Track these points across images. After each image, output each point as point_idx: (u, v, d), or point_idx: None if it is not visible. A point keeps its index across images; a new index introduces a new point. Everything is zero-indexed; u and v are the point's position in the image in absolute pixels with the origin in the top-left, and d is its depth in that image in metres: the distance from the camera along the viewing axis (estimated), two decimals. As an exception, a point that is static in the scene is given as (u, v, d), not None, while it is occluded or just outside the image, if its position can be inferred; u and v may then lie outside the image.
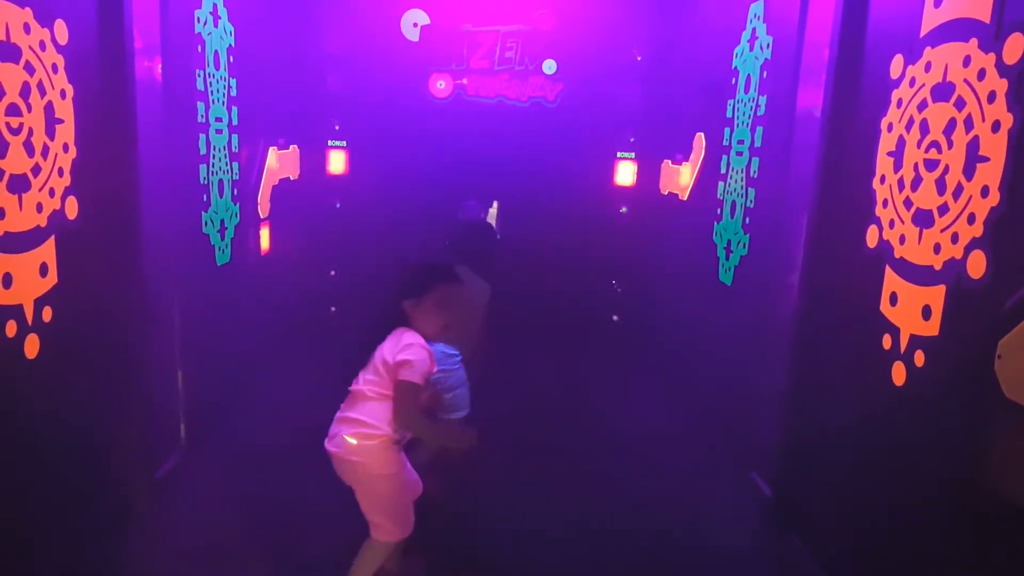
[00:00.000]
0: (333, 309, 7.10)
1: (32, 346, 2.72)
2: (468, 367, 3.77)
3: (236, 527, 3.58)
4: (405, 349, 2.74)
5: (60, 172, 2.87)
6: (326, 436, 2.88)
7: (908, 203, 2.77)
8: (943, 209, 2.55)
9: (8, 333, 2.58)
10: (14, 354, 2.63)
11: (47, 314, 2.80)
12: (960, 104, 2.48)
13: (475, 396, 3.81)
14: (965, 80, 2.47)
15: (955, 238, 2.48)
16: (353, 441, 2.77)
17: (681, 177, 5.91)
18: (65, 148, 2.91)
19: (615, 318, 7.19)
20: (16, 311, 2.62)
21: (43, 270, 2.77)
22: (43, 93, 2.73)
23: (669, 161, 6.31)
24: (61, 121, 2.87)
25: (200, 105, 4.30)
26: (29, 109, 2.63)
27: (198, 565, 3.29)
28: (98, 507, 3.38)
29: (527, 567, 3.40)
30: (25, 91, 2.60)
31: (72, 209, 2.98)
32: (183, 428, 4.24)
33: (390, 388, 2.75)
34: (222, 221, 4.72)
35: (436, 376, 3.03)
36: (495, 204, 8.50)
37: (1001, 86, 2.29)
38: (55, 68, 2.81)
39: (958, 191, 2.47)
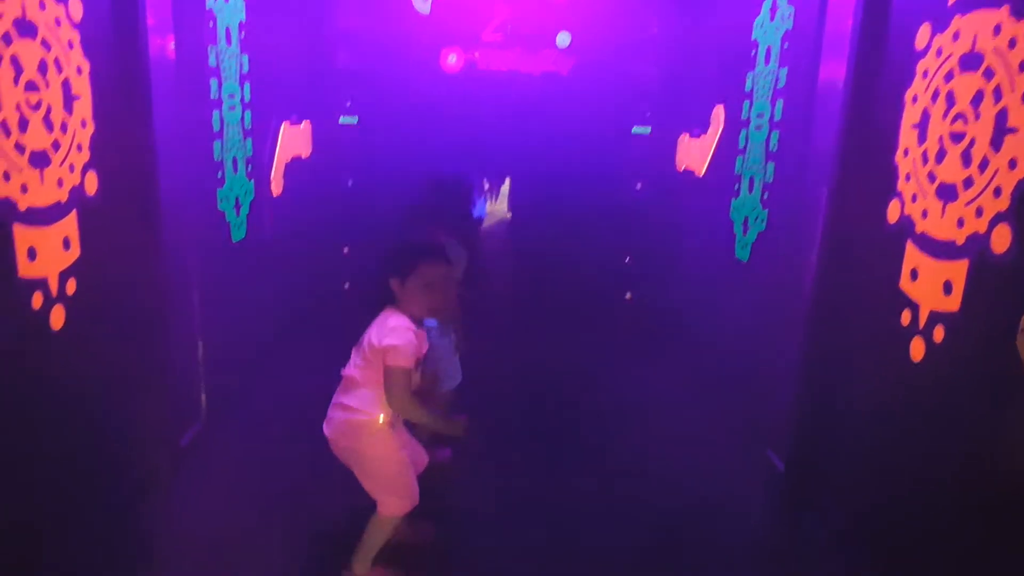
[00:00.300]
0: (346, 286, 7.11)
1: (57, 317, 2.76)
2: (445, 333, 3.72)
3: (256, 494, 3.65)
4: (390, 333, 2.69)
5: (79, 148, 2.88)
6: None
7: (932, 176, 2.74)
8: (968, 182, 2.52)
9: (34, 305, 2.62)
10: (40, 325, 2.68)
11: (71, 286, 2.83)
12: (989, 74, 2.44)
13: (489, 372, 3.82)
14: (995, 49, 2.43)
15: (979, 212, 2.45)
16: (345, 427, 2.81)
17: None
18: (83, 124, 2.92)
19: (628, 296, 7.17)
20: (41, 283, 2.65)
21: (66, 243, 2.80)
22: (60, 69, 2.73)
23: (687, 135, 6.25)
24: (78, 97, 2.87)
25: (213, 82, 4.29)
26: (47, 85, 2.64)
27: (220, 529, 3.34)
28: (125, 473, 3.44)
29: (538, 538, 3.42)
30: (43, 67, 2.60)
31: (92, 184, 2.99)
32: (204, 399, 4.30)
33: (379, 372, 2.71)
34: (237, 198, 4.72)
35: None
36: (507, 180, 8.47)
37: (1031, 56, 2.25)
38: (70, 44, 2.81)
39: (984, 164, 2.44)
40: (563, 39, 6.86)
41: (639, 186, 7.00)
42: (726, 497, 3.87)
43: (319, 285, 6.75)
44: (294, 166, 5.99)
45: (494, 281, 7.35)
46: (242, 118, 4.75)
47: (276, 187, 5.61)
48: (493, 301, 7.06)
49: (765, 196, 4.48)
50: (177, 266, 3.89)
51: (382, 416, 2.80)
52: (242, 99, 4.74)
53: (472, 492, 3.84)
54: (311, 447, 4.01)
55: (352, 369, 2.81)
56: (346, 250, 7.12)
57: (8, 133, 2.41)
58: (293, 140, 5.98)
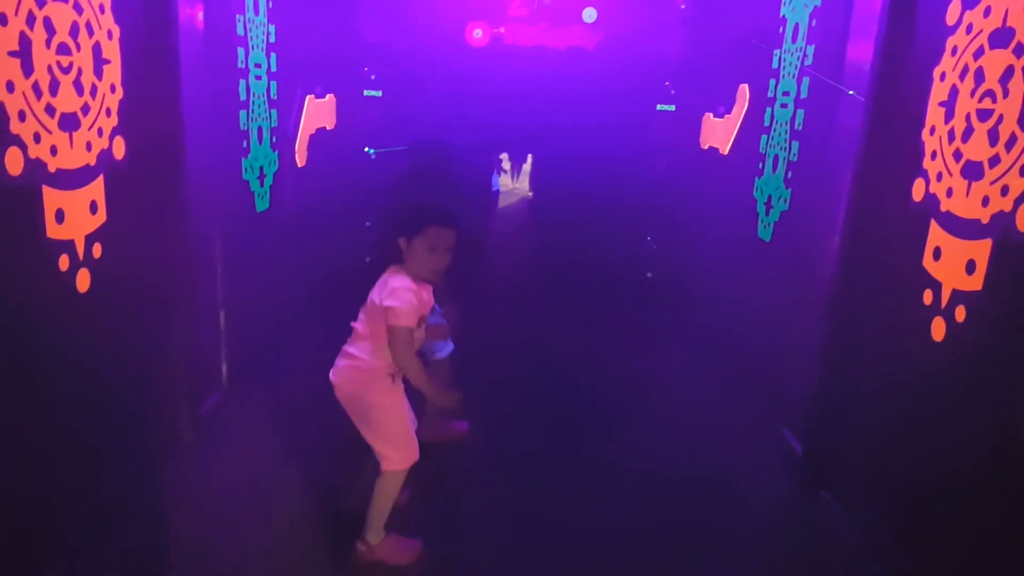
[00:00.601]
0: (368, 259, 7.16)
1: (83, 280, 2.81)
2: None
3: (275, 461, 3.71)
4: (392, 294, 2.77)
5: (108, 112, 2.92)
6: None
7: (958, 155, 2.71)
8: (994, 160, 2.50)
9: (62, 267, 2.67)
10: (67, 287, 2.73)
11: (97, 250, 2.88)
12: (1019, 51, 2.41)
13: (509, 349, 3.83)
14: (1025, 26, 2.39)
15: (1005, 190, 2.43)
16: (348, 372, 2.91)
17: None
18: (112, 89, 2.95)
19: (649, 275, 7.16)
20: (68, 246, 2.70)
21: (93, 207, 2.84)
22: (91, 33, 2.76)
23: (711, 114, 6.21)
24: (108, 61, 2.90)
25: (240, 51, 4.32)
26: (78, 48, 2.67)
27: (241, 494, 3.42)
28: (145, 440, 3.50)
29: (553, 515, 3.45)
30: (74, 30, 2.64)
31: (119, 149, 3.03)
32: (225, 368, 4.36)
33: (381, 328, 2.80)
34: (261, 168, 4.76)
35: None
36: (529, 158, 8.46)
37: (1062, 32, 2.22)
38: (102, 8, 2.84)
39: (1011, 142, 2.41)
40: (589, 14, 6.82)
41: (663, 164, 6.97)
42: (743, 477, 3.88)
43: (341, 257, 6.80)
44: (319, 138, 6.02)
45: (512, 258, 7.38)
46: (268, 88, 4.78)
47: (300, 158, 5.65)
48: (514, 279, 7.09)
49: (789, 175, 4.45)
50: (201, 235, 3.93)
51: (383, 366, 2.89)
52: (268, 69, 4.77)
53: (491, 463, 3.89)
54: (331, 417, 4.08)
55: (358, 323, 2.94)
56: (368, 223, 7.16)
57: (39, 95, 2.45)
58: (318, 112, 6.01)
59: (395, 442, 2.95)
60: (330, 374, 2.99)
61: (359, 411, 2.95)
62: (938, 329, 2.77)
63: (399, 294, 2.76)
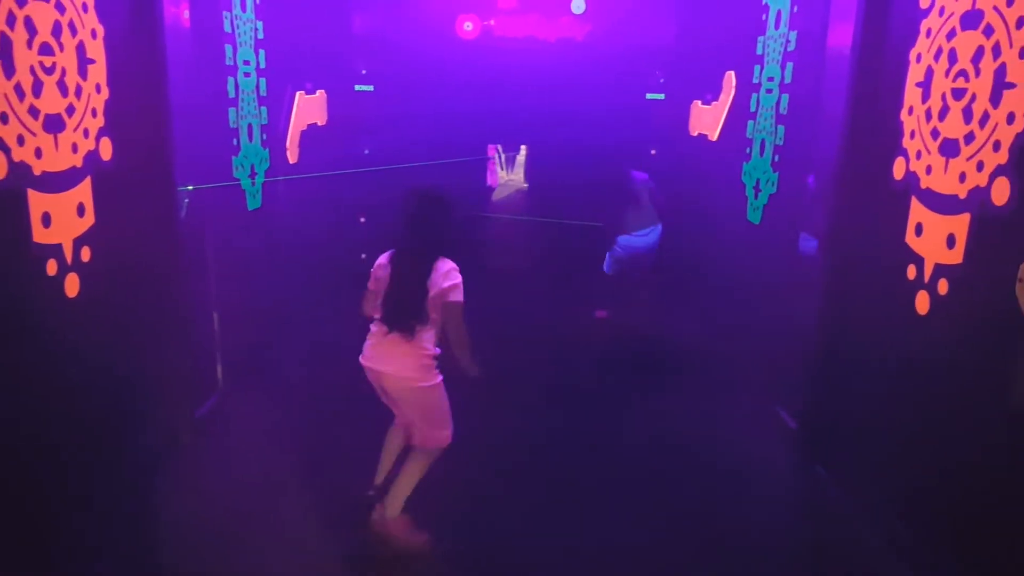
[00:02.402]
0: (363, 256, 7.18)
1: (72, 285, 2.81)
2: None
3: (271, 462, 3.72)
4: (450, 274, 3.00)
5: (94, 113, 2.94)
6: (368, 357, 3.10)
7: (935, 133, 2.74)
8: (969, 138, 2.53)
9: (49, 271, 2.67)
10: (55, 292, 2.73)
11: (86, 254, 2.89)
12: (988, 31, 2.44)
13: (507, 335, 3.85)
14: (995, 7, 2.42)
15: (980, 166, 2.46)
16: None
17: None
18: (98, 89, 2.97)
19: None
20: (56, 250, 2.70)
21: (80, 210, 2.85)
22: (74, 32, 2.78)
23: (699, 102, 6.23)
24: (93, 61, 2.92)
25: (228, 48, 4.33)
26: (61, 48, 2.69)
27: (238, 495, 3.43)
28: (141, 443, 3.51)
29: (558, 479, 3.54)
30: (57, 30, 2.65)
31: (106, 150, 3.05)
32: (220, 370, 4.37)
33: (437, 313, 3.01)
34: (252, 166, 4.78)
35: None
36: (523, 149, 8.47)
37: (1031, 9, 2.24)
38: (85, 7, 2.85)
39: (984, 119, 2.44)
40: (578, 5, 6.83)
41: (653, 152, 6.99)
42: (739, 454, 3.92)
43: (335, 255, 6.82)
44: (310, 134, 6.04)
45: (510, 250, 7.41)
46: (257, 85, 4.79)
47: (292, 155, 5.67)
48: (512, 269, 7.11)
49: (776, 159, 4.47)
50: (192, 235, 3.93)
51: (435, 351, 3.08)
52: (257, 66, 4.78)
53: (493, 436, 3.94)
54: (327, 417, 4.11)
55: None
56: (362, 219, 7.18)
57: (22, 96, 2.46)
58: (308, 108, 6.03)
59: (447, 420, 3.16)
60: (376, 364, 3.06)
61: (417, 396, 3.07)
62: (922, 302, 2.81)
63: (456, 274, 3.01)
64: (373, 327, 3.11)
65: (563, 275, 6.76)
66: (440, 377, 3.09)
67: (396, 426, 3.32)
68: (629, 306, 6.21)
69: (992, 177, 2.39)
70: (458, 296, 3.00)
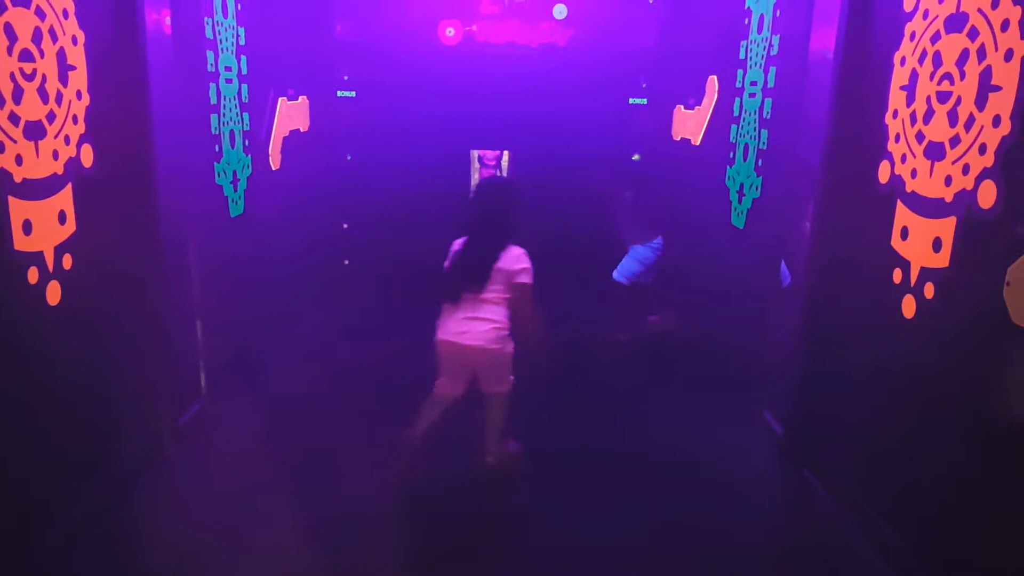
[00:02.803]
0: (346, 262, 7.15)
1: (54, 293, 2.78)
2: None
3: (256, 470, 3.68)
4: (521, 258, 3.44)
5: (75, 119, 2.90)
6: (449, 333, 3.46)
7: (920, 136, 2.76)
8: (954, 141, 2.55)
9: (31, 280, 2.64)
10: (37, 300, 2.70)
11: (67, 261, 2.86)
12: (973, 34, 2.46)
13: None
14: (979, 9, 2.44)
15: (966, 169, 2.48)
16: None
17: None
18: (79, 95, 2.93)
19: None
20: (37, 258, 2.67)
21: (61, 217, 2.82)
22: (55, 39, 2.74)
23: (682, 106, 6.25)
24: (73, 68, 2.89)
25: (209, 54, 4.30)
26: (42, 55, 2.65)
27: (222, 504, 3.39)
28: (127, 450, 3.48)
29: (540, 502, 3.49)
30: (37, 36, 2.62)
31: (88, 157, 3.01)
32: (203, 377, 4.32)
33: (508, 292, 3.45)
34: (234, 172, 4.74)
35: None
36: (506, 153, 8.47)
37: (1015, 14, 2.26)
38: (65, 13, 2.82)
39: (970, 122, 2.46)
40: (560, 11, 6.85)
41: (637, 157, 7.00)
42: (726, 460, 3.92)
43: (319, 261, 6.79)
44: (292, 140, 6.00)
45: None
46: (239, 91, 4.76)
47: (274, 162, 5.63)
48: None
49: (759, 163, 4.49)
50: (174, 242, 3.89)
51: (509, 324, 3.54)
52: (239, 72, 4.75)
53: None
54: (312, 423, 4.07)
55: (489, 294, 3.46)
56: (345, 225, 7.15)
57: (2, 103, 2.43)
58: (291, 114, 5.99)
59: (511, 378, 3.64)
60: (459, 339, 3.43)
61: (494, 362, 3.52)
62: (908, 306, 2.82)
63: (523, 259, 3.44)
64: (446, 305, 3.50)
65: (555, 279, 6.76)
66: (513, 345, 3.52)
67: (440, 396, 3.63)
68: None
69: (978, 180, 2.41)
70: (527, 278, 3.43)
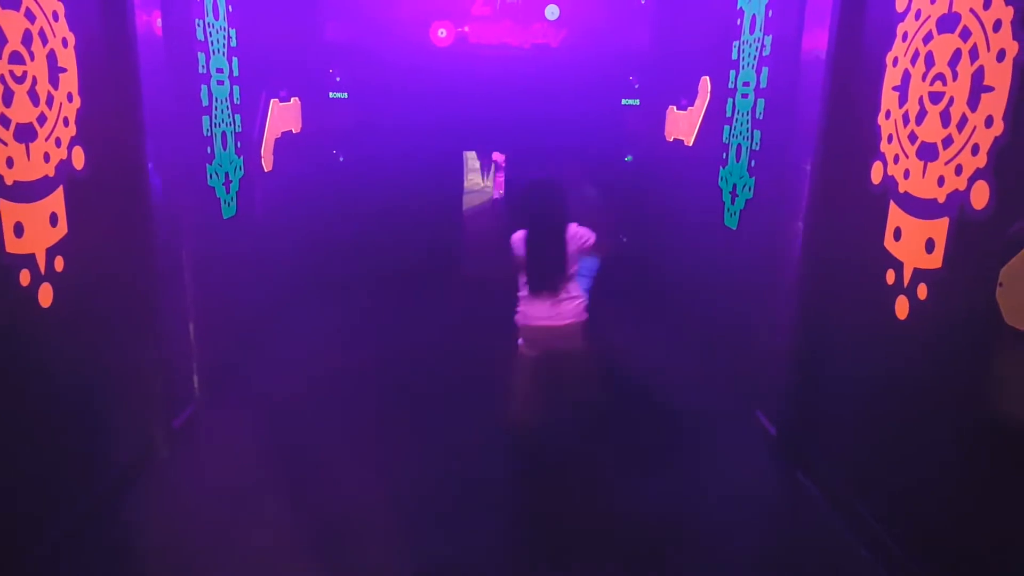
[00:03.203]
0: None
1: (46, 295, 2.77)
2: None
3: (250, 472, 3.67)
4: (580, 231, 3.70)
5: (65, 122, 2.89)
6: (540, 319, 3.68)
7: (913, 137, 2.77)
8: (947, 141, 2.55)
9: (22, 282, 2.63)
10: (29, 303, 2.69)
11: (59, 264, 2.84)
12: (965, 34, 2.46)
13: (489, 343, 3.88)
14: (971, 10, 2.45)
15: (959, 170, 2.48)
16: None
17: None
18: (69, 97, 2.92)
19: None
20: (29, 260, 2.66)
21: (53, 220, 2.81)
22: (45, 41, 2.73)
23: (674, 107, 6.26)
24: (64, 70, 2.87)
25: (200, 55, 4.28)
26: (32, 57, 2.64)
27: (215, 507, 3.38)
28: (120, 453, 3.46)
29: (533, 500, 3.49)
30: (27, 39, 2.60)
31: (79, 159, 3.00)
32: (196, 380, 4.31)
33: (578, 263, 3.77)
34: (227, 174, 4.72)
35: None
36: (500, 154, 8.44)
37: (1007, 14, 2.27)
38: (55, 16, 2.81)
39: (962, 122, 2.47)
40: (552, 11, 6.86)
41: (629, 157, 7.01)
42: (720, 460, 3.92)
43: (311, 262, 6.77)
44: (284, 142, 5.99)
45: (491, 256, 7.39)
46: (230, 93, 4.74)
47: (267, 163, 5.61)
48: (491, 276, 7.09)
49: (752, 164, 4.49)
50: (167, 244, 3.88)
51: None
52: (231, 73, 4.73)
53: (467, 452, 3.91)
54: (304, 425, 4.06)
55: (569, 272, 3.74)
56: (337, 226, 7.13)
57: (-7, 106, 2.42)
58: (283, 116, 5.98)
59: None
60: (553, 321, 3.67)
61: (578, 332, 3.76)
62: (901, 307, 2.83)
63: (584, 231, 3.71)
64: (522, 292, 3.74)
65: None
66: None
67: (525, 358, 3.82)
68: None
69: (971, 181, 2.41)
70: (593, 238, 3.72)
